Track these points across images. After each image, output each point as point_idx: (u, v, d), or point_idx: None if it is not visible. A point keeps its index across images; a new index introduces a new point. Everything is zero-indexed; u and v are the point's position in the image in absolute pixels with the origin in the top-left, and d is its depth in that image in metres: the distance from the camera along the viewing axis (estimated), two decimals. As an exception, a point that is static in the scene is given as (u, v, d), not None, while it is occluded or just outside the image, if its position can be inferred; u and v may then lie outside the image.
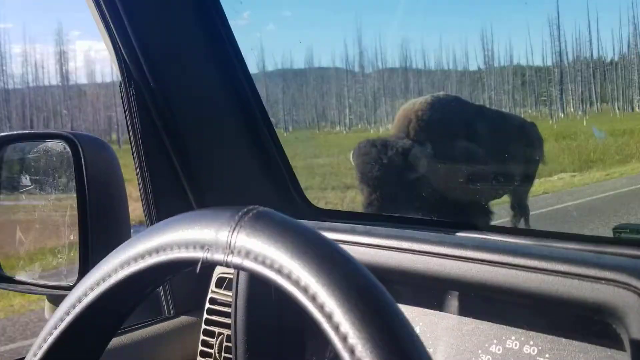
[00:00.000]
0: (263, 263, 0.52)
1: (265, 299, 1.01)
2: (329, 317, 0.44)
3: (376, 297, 0.47)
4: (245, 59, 1.24)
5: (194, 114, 1.20)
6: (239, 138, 1.31)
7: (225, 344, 1.11)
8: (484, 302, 0.90)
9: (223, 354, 1.10)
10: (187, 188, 1.25)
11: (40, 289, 1.22)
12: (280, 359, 1.02)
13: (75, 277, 1.16)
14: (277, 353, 1.02)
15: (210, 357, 1.13)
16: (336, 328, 0.43)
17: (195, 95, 1.20)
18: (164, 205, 1.24)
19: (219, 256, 0.56)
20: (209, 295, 1.18)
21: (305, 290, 0.47)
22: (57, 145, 1.22)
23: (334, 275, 0.47)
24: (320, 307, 0.45)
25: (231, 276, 1.12)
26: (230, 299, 1.08)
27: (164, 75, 1.12)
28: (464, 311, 0.94)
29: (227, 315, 1.11)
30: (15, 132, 1.29)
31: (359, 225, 1.05)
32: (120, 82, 1.13)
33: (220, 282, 1.18)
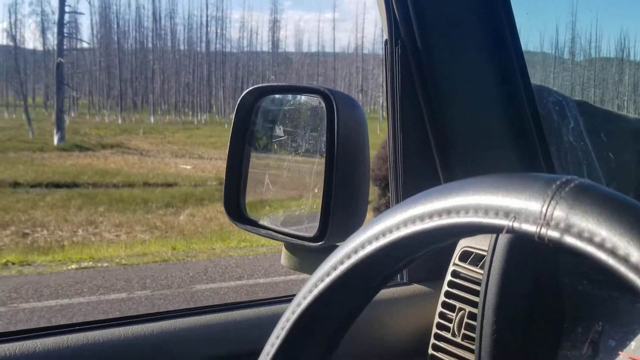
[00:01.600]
0: (590, 241, 0.47)
1: (521, 282, 0.95)
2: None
3: None
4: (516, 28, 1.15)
5: (458, 83, 1.14)
6: (502, 119, 1.21)
7: (466, 320, 1.07)
8: None
9: (463, 330, 1.07)
10: (437, 160, 1.19)
11: (280, 235, 1.27)
12: (529, 346, 0.97)
13: (316, 230, 1.19)
14: (526, 340, 0.96)
15: (448, 331, 1.10)
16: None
17: (462, 63, 1.13)
18: (412, 172, 1.21)
19: (529, 227, 0.51)
20: (451, 267, 1.14)
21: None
22: (312, 100, 1.26)
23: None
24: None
25: (476, 251, 1.08)
26: (475, 275, 1.04)
27: (433, 38, 1.07)
28: None
29: (470, 291, 1.06)
30: (273, 84, 1.35)
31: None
32: (386, 40, 1.12)
33: (464, 256, 1.14)
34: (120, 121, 56.11)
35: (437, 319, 1.13)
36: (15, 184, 19.14)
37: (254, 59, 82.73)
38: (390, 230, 0.63)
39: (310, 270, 1.36)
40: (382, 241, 0.64)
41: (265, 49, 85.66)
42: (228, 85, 73.73)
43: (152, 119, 59.30)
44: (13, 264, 8.27)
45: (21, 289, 6.90)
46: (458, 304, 1.09)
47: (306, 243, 1.21)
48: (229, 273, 7.97)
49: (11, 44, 79.71)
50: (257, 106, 1.33)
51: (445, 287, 1.13)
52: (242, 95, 1.31)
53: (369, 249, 0.64)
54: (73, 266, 8.20)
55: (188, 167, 25.86)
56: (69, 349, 1.05)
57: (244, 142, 1.34)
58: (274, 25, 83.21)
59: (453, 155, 1.15)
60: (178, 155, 30.90)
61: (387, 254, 0.65)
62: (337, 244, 1.27)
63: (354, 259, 0.65)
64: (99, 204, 15.42)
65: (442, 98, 1.08)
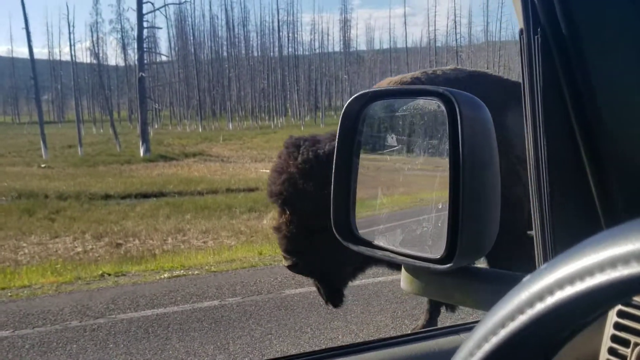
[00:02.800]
0: None
1: None
2: None
3: None
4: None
5: (617, 79, 0.92)
6: None
7: (645, 358, 0.89)
8: None
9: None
10: (590, 174, 0.97)
11: (400, 257, 1.12)
12: None
13: (442, 251, 1.03)
14: None
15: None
16: None
17: (621, 55, 0.92)
18: (559, 187, 1.01)
19: None
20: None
21: None
22: (429, 104, 1.10)
23: None
24: None
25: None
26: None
27: (581, 23, 0.89)
28: None
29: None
30: (382, 88, 1.19)
31: None
32: (521, 30, 0.95)
33: None
34: (200, 130, 57.54)
35: (606, 356, 0.95)
36: (107, 196, 19.88)
37: (326, 60, 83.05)
38: (591, 273, 0.49)
39: (437, 295, 1.21)
40: (579, 287, 0.50)
41: (336, 49, 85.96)
42: (302, 88, 74.38)
43: (230, 126, 60.51)
44: (109, 275, 8.50)
45: (118, 300, 7.06)
46: (634, 338, 0.90)
47: (431, 265, 1.06)
48: (316, 276, 7.89)
49: (95, 61, 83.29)
50: (364, 114, 1.19)
51: (614, 318, 0.95)
52: (348, 102, 1.18)
53: (561, 295, 0.50)
54: (165, 275, 8.35)
55: (268, 171, 26.12)
56: None
57: (351, 154, 1.20)
58: (345, 25, 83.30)
59: (611, 169, 0.94)
60: (257, 159, 31.35)
61: (583, 301, 0.50)
62: (468, 265, 1.11)
63: (544, 305, 0.51)
64: (185, 211, 15.75)
65: (596, 99, 0.89)
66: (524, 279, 0.55)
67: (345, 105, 1.18)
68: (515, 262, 4.84)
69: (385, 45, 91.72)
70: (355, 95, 1.20)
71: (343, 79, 77.14)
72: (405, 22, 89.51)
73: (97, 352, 5.53)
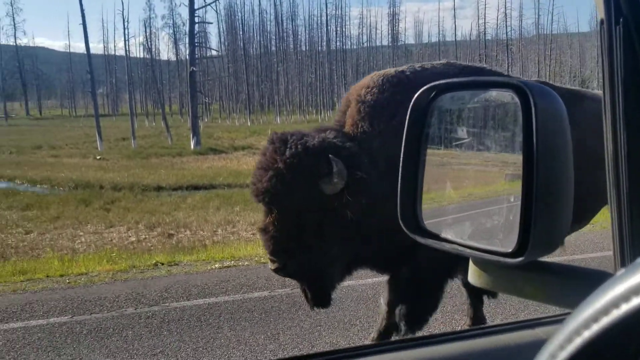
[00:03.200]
0: None
1: None
2: None
3: None
4: None
5: None
6: None
7: None
8: None
9: None
10: None
11: (469, 250, 1.11)
12: None
13: (514, 244, 1.02)
14: None
15: None
16: None
17: None
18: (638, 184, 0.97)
19: None
20: None
21: None
22: (502, 95, 1.09)
23: None
24: None
25: None
26: None
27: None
28: None
29: None
30: (451, 80, 1.17)
31: None
32: (602, 20, 0.92)
33: None
34: (249, 123, 58.06)
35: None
36: (159, 188, 20.30)
37: (373, 53, 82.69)
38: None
39: (508, 289, 1.19)
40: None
41: (384, 43, 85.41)
42: (350, 82, 74.15)
43: (278, 120, 60.88)
44: (162, 264, 8.67)
45: (171, 289, 7.20)
46: None
47: (502, 259, 1.04)
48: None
49: (148, 56, 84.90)
50: (433, 106, 1.18)
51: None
52: (416, 95, 1.17)
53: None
54: (216, 265, 8.46)
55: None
56: None
57: (419, 146, 1.19)
58: (393, 19, 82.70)
59: None
60: (305, 153, 31.46)
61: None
62: (540, 259, 1.09)
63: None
64: (234, 203, 15.95)
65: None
66: (618, 273, 0.53)
67: (414, 97, 1.17)
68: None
69: (434, 39, 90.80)
70: (424, 87, 1.19)
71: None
72: (454, 15, 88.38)
73: (151, 338, 5.66)
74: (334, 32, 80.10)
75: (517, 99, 1.02)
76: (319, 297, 4.48)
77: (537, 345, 0.67)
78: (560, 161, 1.00)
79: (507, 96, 1.05)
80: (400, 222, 1.21)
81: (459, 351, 1.05)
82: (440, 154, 1.22)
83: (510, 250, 1.03)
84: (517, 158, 1.02)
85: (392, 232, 4.36)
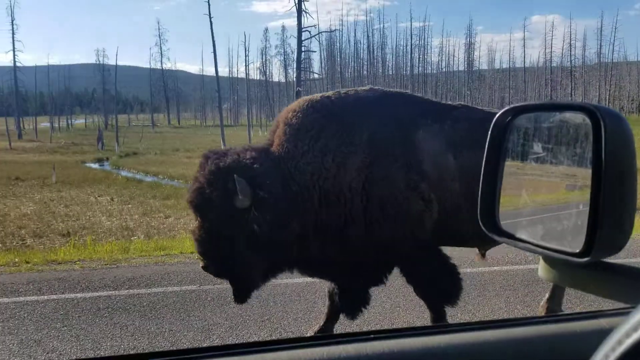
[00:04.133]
0: None
1: None
2: None
3: None
4: None
5: None
6: None
7: None
8: None
9: None
10: None
11: (540, 249, 1.08)
12: None
13: (581, 246, 0.99)
14: None
15: None
16: None
17: None
18: None
19: None
20: None
21: None
22: (574, 117, 1.06)
23: None
24: None
25: None
26: None
27: None
28: None
29: None
30: (529, 103, 1.16)
31: None
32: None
33: None
34: (343, 134, 58.30)
35: None
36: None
37: (450, 77, 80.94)
38: None
39: (573, 284, 1.15)
40: None
41: (460, 68, 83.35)
42: (429, 101, 73.03)
43: (367, 132, 60.73)
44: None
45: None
46: None
47: (570, 258, 1.01)
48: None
49: (262, 78, 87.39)
50: (512, 124, 1.16)
51: None
52: (497, 115, 1.15)
53: None
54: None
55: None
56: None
57: (498, 158, 1.18)
58: (469, 48, 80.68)
59: None
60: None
61: None
62: (603, 260, 1.05)
63: None
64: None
65: None
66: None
67: (496, 116, 1.16)
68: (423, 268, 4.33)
69: (505, 65, 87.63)
70: (504, 109, 1.17)
71: (465, 95, 74.76)
72: (524, 45, 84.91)
73: (260, 308, 5.81)
74: (417, 59, 79.10)
75: (588, 120, 0.99)
76: (240, 294, 4.32)
77: (601, 333, 0.65)
78: (626, 176, 0.97)
79: (579, 117, 1.02)
80: (480, 222, 1.20)
81: (533, 334, 1.03)
82: (518, 166, 1.19)
83: (577, 250, 1.00)
84: (587, 171, 1.00)
85: (305, 242, 4.14)
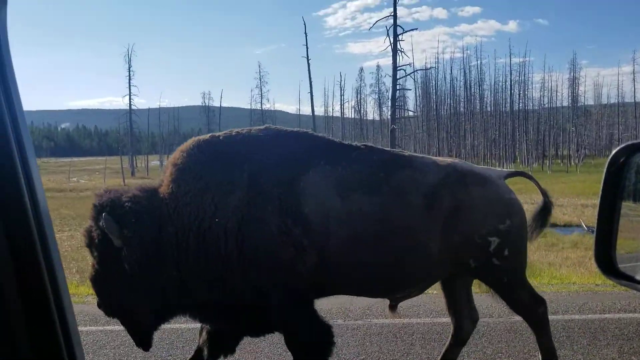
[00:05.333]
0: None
1: None
2: None
3: None
4: None
5: None
6: None
7: None
8: None
9: None
10: None
11: (664, 293, 1.03)
12: None
13: None
14: None
15: None
16: None
17: None
18: None
19: None
20: None
21: None
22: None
23: None
24: None
25: None
26: None
27: None
28: None
29: None
30: (649, 140, 1.12)
31: None
32: None
33: None
34: (438, 172, 57.16)
35: None
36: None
37: (554, 113, 77.39)
38: None
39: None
40: None
41: (564, 104, 79.56)
42: (530, 138, 70.25)
43: (464, 170, 59.13)
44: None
45: (373, 307, 7.29)
46: None
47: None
48: (543, 307, 7.29)
49: (357, 116, 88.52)
50: (630, 162, 1.13)
51: None
52: (613, 152, 1.13)
53: None
54: (409, 291, 8.40)
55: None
56: None
57: (615, 196, 1.14)
58: (573, 83, 76.94)
59: None
60: (488, 199, 29.98)
61: None
62: None
63: None
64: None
65: None
66: None
67: (612, 153, 1.13)
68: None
69: (613, 100, 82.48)
70: (620, 146, 1.14)
71: (570, 131, 71.00)
72: (633, 79, 79.53)
73: (356, 347, 5.77)
74: (517, 95, 76.61)
75: None
76: (135, 336, 4.19)
77: None
78: None
79: None
80: (595, 264, 1.16)
81: None
82: (631, 206, 1.15)
83: None
84: None
85: (186, 284, 3.97)
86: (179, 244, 3.91)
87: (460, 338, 4.86)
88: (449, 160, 4.61)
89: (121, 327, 6.60)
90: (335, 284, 4.24)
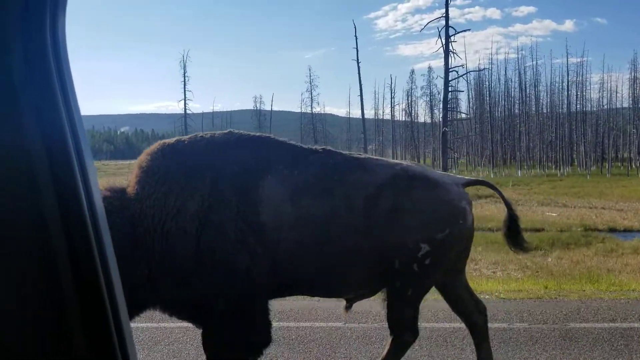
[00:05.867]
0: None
1: None
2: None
3: None
4: None
5: None
6: None
7: None
8: None
9: None
10: None
11: None
12: None
13: None
14: None
15: None
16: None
17: None
18: None
19: None
20: None
21: None
22: None
23: None
24: None
25: None
26: None
27: None
28: None
29: None
30: None
31: None
32: None
33: None
34: (492, 175, 55.99)
35: None
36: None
37: (613, 115, 74.18)
38: None
39: None
40: None
41: (624, 105, 76.11)
42: (589, 141, 67.41)
43: (519, 173, 57.65)
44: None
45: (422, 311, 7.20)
46: None
47: None
48: (601, 314, 7.02)
49: (408, 119, 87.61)
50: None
51: None
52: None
53: None
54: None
55: (553, 214, 24.18)
56: None
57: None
58: (634, 83, 73.32)
59: None
60: (543, 204, 29.20)
61: None
62: None
63: None
64: (477, 244, 15.43)
65: None
66: None
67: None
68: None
69: (682, 101, 78.16)
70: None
71: (631, 133, 67.77)
72: (703, 77, 75.14)
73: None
74: (574, 96, 73.73)
75: None
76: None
77: None
78: None
79: None
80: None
81: None
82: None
83: None
84: None
85: (155, 283, 3.93)
86: (146, 245, 4.00)
87: (480, 333, 4.77)
88: (404, 163, 4.58)
89: (175, 324, 6.82)
90: (289, 285, 4.34)
